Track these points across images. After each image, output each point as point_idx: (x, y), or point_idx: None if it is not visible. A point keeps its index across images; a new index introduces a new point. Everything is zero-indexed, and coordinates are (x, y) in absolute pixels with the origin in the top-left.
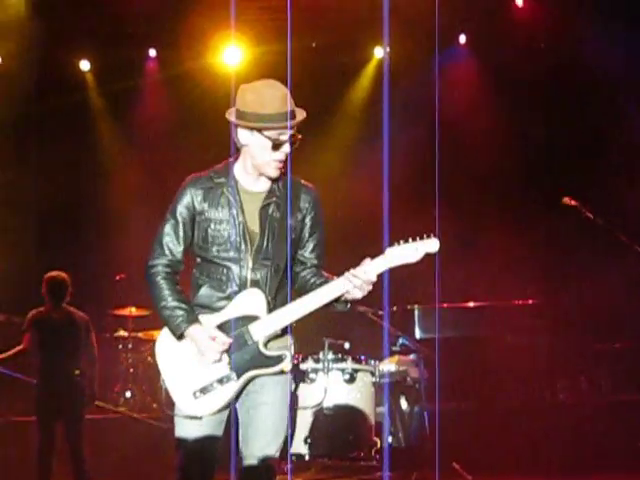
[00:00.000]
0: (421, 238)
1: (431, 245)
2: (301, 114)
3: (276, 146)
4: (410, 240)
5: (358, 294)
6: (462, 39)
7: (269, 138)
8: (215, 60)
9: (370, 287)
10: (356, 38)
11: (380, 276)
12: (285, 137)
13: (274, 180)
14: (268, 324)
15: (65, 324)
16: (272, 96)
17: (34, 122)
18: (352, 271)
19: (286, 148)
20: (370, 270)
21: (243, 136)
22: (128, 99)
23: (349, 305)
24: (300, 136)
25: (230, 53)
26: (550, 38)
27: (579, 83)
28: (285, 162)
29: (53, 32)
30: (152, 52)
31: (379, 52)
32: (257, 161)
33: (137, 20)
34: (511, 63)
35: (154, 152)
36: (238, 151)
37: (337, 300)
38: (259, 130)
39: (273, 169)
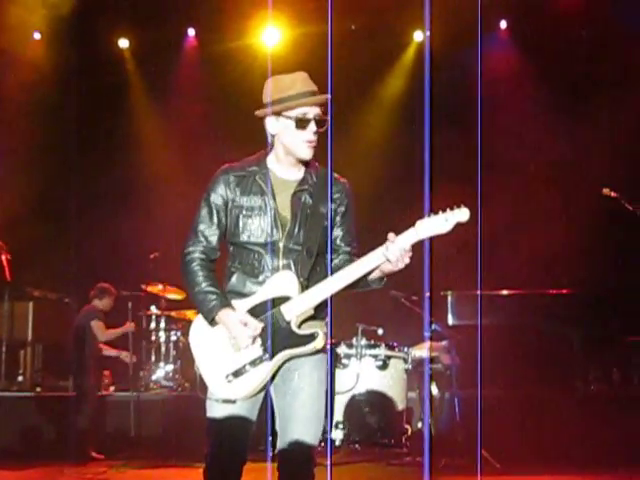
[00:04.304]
0: (451, 209)
1: (461, 215)
2: (325, 95)
3: (300, 125)
4: (440, 212)
5: (397, 266)
6: (503, 25)
7: (290, 118)
8: (253, 41)
9: (407, 259)
10: (395, 22)
11: (415, 261)
12: (309, 116)
13: (307, 171)
14: (299, 303)
15: None
16: (290, 79)
17: (74, 97)
18: (385, 244)
19: (312, 127)
20: (401, 241)
21: (270, 125)
22: (166, 78)
23: (384, 280)
24: (326, 117)
25: (269, 34)
26: (591, 26)
27: (619, 70)
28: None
29: (93, 10)
30: (191, 32)
31: (418, 36)
32: (288, 146)
33: None
34: (551, 50)
35: (191, 132)
36: (272, 145)
37: (370, 275)
38: (279, 113)
39: (304, 149)
